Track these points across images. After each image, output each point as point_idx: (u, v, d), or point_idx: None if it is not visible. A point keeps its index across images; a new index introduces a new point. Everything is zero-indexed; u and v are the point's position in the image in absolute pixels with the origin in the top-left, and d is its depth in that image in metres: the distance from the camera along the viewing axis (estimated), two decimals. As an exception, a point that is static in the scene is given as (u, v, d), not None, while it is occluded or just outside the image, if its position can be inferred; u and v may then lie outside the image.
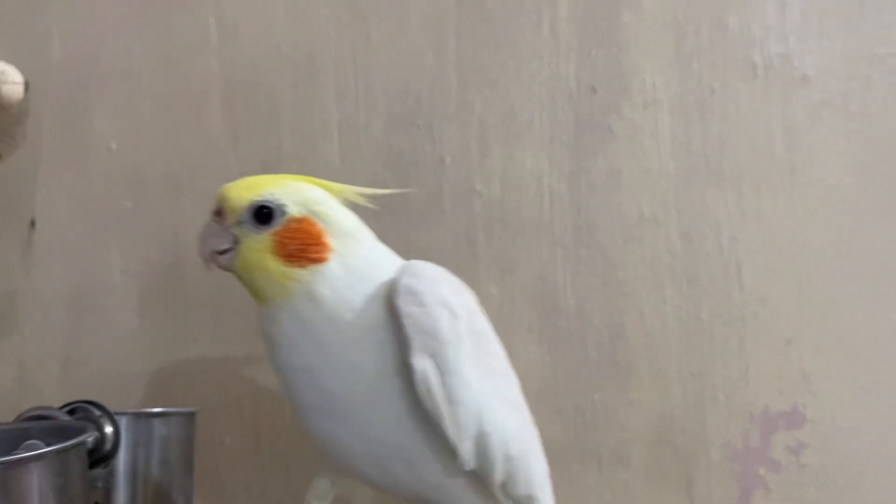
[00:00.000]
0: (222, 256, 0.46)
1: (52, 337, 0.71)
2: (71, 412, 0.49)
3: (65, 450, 0.38)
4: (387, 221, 0.52)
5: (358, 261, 0.46)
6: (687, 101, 0.67)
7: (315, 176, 0.49)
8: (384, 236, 0.50)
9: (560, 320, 0.67)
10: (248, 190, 0.46)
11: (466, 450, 0.44)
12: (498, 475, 0.46)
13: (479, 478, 0.46)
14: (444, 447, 0.44)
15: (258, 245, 0.45)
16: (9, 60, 0.68)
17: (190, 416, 0.56)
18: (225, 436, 0.69)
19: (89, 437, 0.40)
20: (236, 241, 0.45)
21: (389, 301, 0.44)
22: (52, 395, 0.71)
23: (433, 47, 0.69)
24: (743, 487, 0.65)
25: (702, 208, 0.67)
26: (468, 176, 0.68)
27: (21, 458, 0.36)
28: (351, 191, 0.48)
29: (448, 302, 0.44)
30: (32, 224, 0.71)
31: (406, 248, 0.67)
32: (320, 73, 0.70)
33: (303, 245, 0.45)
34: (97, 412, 0.49)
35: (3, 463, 0.35)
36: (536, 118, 0.68)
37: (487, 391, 0.45)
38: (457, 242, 0.68)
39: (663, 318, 0.67)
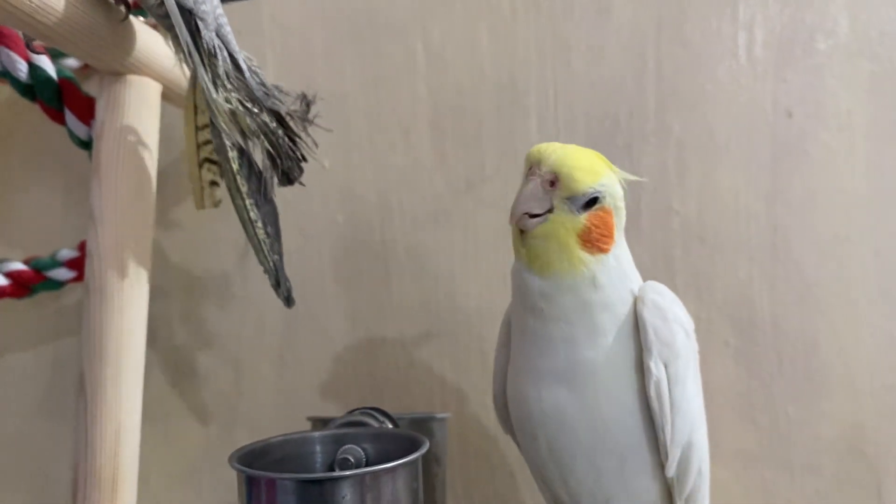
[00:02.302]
0: (532, 219, 0.47)
1: (268, 340, 0.76)
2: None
3: (419, 456, 0.42)
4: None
5: (621, 254, 0.49)
6: (881, 126, 0.70)
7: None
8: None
9: (756, 335, 0.70)
10: (590, 175, 0.47)
11: (674, 456, 0.48)
12: (688, 487, 0.50)
13: (671, 489, 0.50)
14: (656, 449, 0.48)
15: (570, 223, 0.46)
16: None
17: (445, 421, 0.61)
18: (432, 437, 0.73)
19: (428, 445, 0.44)
20: (550, 210, 0.47)
21: (636, 308, 0.48)
22: (267, 396, 0.77)
23: (632, 71, 0.72)
24: (937, 497, 0.68)
25: (894, 228, 0.69)
26: (666, 195, 0.72)
27: (398, 465, 0.41)
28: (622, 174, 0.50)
29: (683, 322, 0.49)
30: (248, 235, 0.76)
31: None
32: (522, 97, 0.74)
33: (602, 235, 0.47)
34: (381, 417, 0.53)
35: (384, 469, 0.40)
36: (734, 140, 0.71)
37: (698, 408, 0.50)
38: (654, 259, 0.72)
39: (857, 333, 0.70)
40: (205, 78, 0.45)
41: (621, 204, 0.49)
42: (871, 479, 0.69)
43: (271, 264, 0.55)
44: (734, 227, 0.71)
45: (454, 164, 0.74)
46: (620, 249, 0.49)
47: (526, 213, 0.47)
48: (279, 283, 0.56)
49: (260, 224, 0.54)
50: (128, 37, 0.51)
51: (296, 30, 0.76)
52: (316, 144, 0.55)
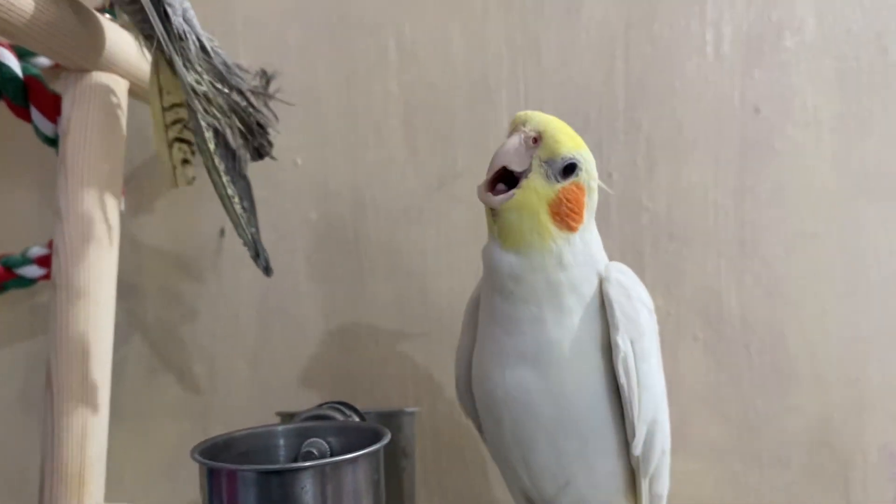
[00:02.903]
0: (497, 196, 0.46)
1: (242, 336, 0.77)
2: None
3: (380, 448, 0.43)
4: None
5: (590, 238, 0.49)
6: (847, 122, 0.71)
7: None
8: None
9: (724, 329, 0.71)
10: (573, 140, 0.47)
11: (641, 433, 0.48)
12: (652, 467, 0.51)
13: (634, 469, 0.50)
14: (620, 429, 0.48)
15: (543, 191, 0.46)
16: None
17: (414, 415, 0.61)
18: (405, 432, 0.74)
19: (389, 437, 0.44)
20: (526, 173, 0.46)
21: (602, 287, 0.49)
22: (242, 392, 0.77)
23: (602, 69, 0.73)
24: (900, 488, 0.68)
25: (860, 223, 0.70)
26: (635, 191, 0.72)
27: (358, 455, 0.41)
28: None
29: (645, 301, 0.51)
30: (222, 233, 0.77)
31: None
32: (493, 94, 0.74)
33: (572, 210, 0.47)
34: (347, 411, 0.53)
35: (345, 460, 0.41)
36: (702, 136, 0.72)
37: (661, 386, 0.51)
38: (624, 254, 0.72)
39: (824, 327, 0.70)
40: (178, 63, 0.46)
41: (594, 185, 0.49)
42: (839, 472, 0.70)
43: (249, 237, 0.57)
44: (703, 223, 0.72)
45: (426, 160, 0.75)
46: (589, 232, 0.49)
47: (501, 169, 0.46)
48: (258, 253, 0.58)
49: (237, 199, 0.56)
50: (94, 34, 0.51)
51: (269, 27, 0.76)
52: (276, 118, 0.58)
